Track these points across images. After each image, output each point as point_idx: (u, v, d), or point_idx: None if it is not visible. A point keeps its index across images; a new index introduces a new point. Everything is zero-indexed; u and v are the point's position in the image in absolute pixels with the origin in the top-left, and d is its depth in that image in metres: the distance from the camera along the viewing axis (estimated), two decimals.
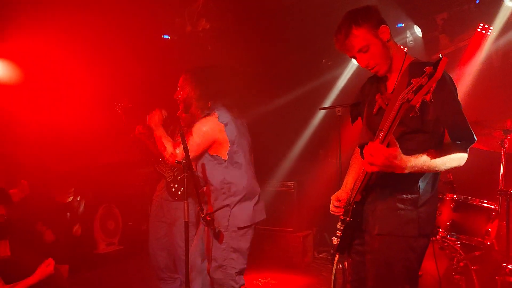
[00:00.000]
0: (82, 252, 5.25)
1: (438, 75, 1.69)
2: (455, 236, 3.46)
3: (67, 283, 3.91)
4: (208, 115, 3.15)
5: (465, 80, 5.44)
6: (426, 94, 1.72)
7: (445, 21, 5.48)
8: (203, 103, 3.21)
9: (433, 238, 3.39)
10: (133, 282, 4.94)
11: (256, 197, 3.22)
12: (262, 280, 5.08)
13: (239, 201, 3.11)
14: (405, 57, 2.24)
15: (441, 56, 1.72)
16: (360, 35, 2.14)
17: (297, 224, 5.83)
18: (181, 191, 3.94)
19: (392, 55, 2.22)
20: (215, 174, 3.11)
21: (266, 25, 5.92)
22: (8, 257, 3.19)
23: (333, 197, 2.46)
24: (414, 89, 1.74)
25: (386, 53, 2.19)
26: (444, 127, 2.10)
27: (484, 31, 5.25)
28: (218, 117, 3.12)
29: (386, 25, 2.19)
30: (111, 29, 4.94)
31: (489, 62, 5.33)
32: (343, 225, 2.37)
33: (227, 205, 3.09)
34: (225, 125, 3.10)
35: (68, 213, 4.52)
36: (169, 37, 5.95)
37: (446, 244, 3.45)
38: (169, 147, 3.14)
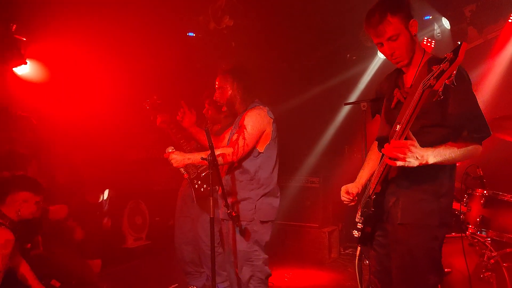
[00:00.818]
0: (111, 247, 5.37)
1: (459, 59, 1.72)
2: (485, 232, 3.38)
3: (97, 277, 4.01)
4: (254, 107, 3.18)
5: (495, 72, 5.30)
6: (449, 78, 1.75)
7: (474, 12, 5.35)
8: (248, 100, 3.25)
9: (462, 235, 3.33)
10: (161, 276, 5.02)
11: (279, 194, 3.27)
12: (287, 276, 5.09)
13: (265, 195, 3.15)
14: (424, 53, 2.29)
15: (459, 43, 1.75)
16: (394, 23, 2.18)
17: (323, 220, 5.81)
18: (204, 188, 3.97)
19: (415, 49, 2.27)
20: (249, 165, 3.13)
21: (290, 21, 5.90)
22: (40, 253, 3.27)
23: (343, 188, 2.54)
24: (435, 74, 1.78)
25: (412, 46, 2.24)
26: (461, 120, 2.12)
27: None
28: (267, 111, 3.19)
29: (416, 20, 2.23)
30: (136, 28, 5.01)
31: None
32: (363, 217, 2.41)
33: (252, 198, 3.11)
34: (273, 120, 3.19)
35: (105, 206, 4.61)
36: (193, 35, 5.99)
37: (475, 240, 3.38)
38: (225, 150, 3.07)
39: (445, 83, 1.77)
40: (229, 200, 3.12)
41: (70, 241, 3.97)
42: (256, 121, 3.10)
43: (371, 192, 2.35)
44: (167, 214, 6.35)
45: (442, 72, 1.75)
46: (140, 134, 5.96)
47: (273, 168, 3.22)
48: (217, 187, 3.19)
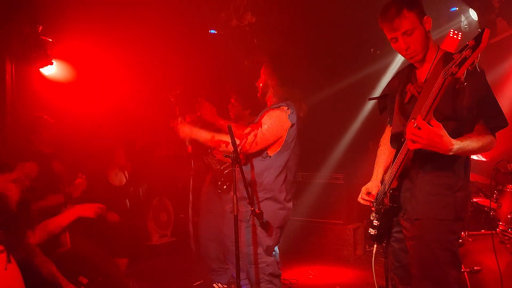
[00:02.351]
0: (137, 244, 5.44)
1: (482, 46, 1.72)
2: None
3: (124, 274, 4.06)
4: (278, 107, 3.04)
5: None
6: (471, 65, 1.76)
7: (503, 3, 5.18)
8: (275, 92, 3.13)
9: (493, 232, 3.24)
10: (186, 273, 5.06)
11: (283, 201, 3.12)
12: (312, 273, 5.07)
13: (268, 199, 3.06)
14: (438, 49, 2.32)
15: (480, 30, 1.76)
16: (410, 17, 2.20)
17: (347, 217, 5.76)
18: (226, 185, 3.95)
19: (429, 45, 2.30)
20: (256, 165, 3.05)
21: (312, 16, 5.84)
22: (68, 250, 3.32)
23: (363, 189, 2.55)
24: (457, 62, 1.79)
25: (426, 42, 2.27)
26: (474, 112, 2.12)
27: None
28: (289, 115, 3.02)
29: (429, 17, 2.27)
30: (159, 26, 5.05)
31: None
32: (379, 214, 2.43)
33: (253, 200, 3.01)
34: (291, 126, 3.04)
35: (127, 200, 4.65)
36: (215, 32, 6.00)
37: (507, 238, 3.29)
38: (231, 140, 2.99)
39: (468, 69, 1.78)
40: (238, 195, 3.03)
41: (99, 237, 4.02)
42: (274, 125, 2.97)
43: (387, 188, 2.37)
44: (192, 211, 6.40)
45: (465, 59, 1.76)
46: (164, 131, 6.01)
47: (278, 175, 3.06)
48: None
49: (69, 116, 4.48)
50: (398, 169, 2.24)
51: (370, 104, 6.73)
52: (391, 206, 2.33)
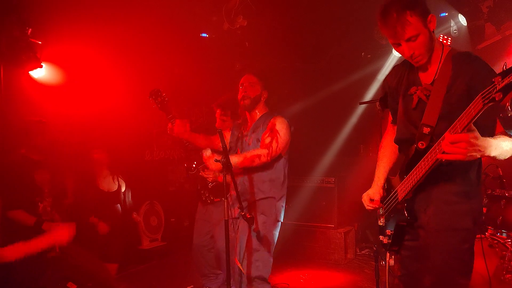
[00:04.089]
0: (128, 248, 5.40)
1: None
2: (505, 234, 3.31)
3: (114, 279, 4.03)
4: (278, 116, 3.42)
5: None
6: None
7: (491, 8, 5.24)
8: (264, 105, 3.51)
9: (482, 236, 3.26)
10: (176, 278, 5.03)
11: (284, 201, 3.49)
12: (303, 277, 5.06)
13: (283, 196, 3.39)
14: (443, 48, 2.16)
15: None
16: (413, 23, 2.00)
17: (338, 220, 5.77)
18: (210, 200, 4.09)
19: (434, 46, 2.13)
20: (273, 167, 3.35)
21: (303, 20, 5.86)
22: (57, 255, 3.28)
23: (365, 196, 2.46)
24: (501, 87, 1.57)
25: (431, 44, 2.10)
26: (494, 119, 2.00)
27: None
28: (287, 119, 3.43)
29: (434, 14, 2.08)
30: (150, 29, 5.03)
31: None
32: (392, 223, 2.32)
33: (273, 197, 3.32)
34: (291, 127, 3.43)
35: (118, 205, 4.62)
36: (207, 35, 6.00)
37: (496, 242, 3.31)
38: (261, 151, 3.26)
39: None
40: (251, 199, 3.31)
41: (89, 243, 3.98)
42: (286, 130, 3.36)
43: (400, 199, 2.26)
44: (182, 215, 6.37)
45: (510, 87, 1.54)
46: (155, 134, 5.99)
47: (286, 174, 3.45)
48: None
49: (59, 120, 4.44)
50: (418, 181, 2.10)
51: (361, 108, 6.75)
52: (407, 218, 2.22)
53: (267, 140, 3.30)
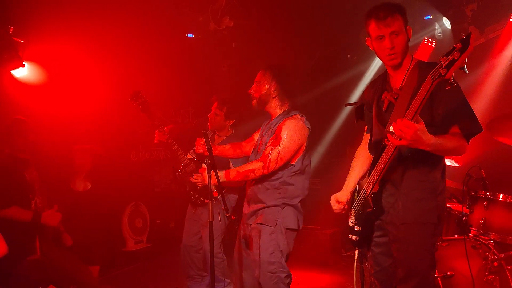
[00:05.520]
0: (112, 251, 5.34)
1: (470, 48, 1.84)
2: (488, 235, 3.34)
3: (97, 282, 3.97)
4: (291, 116, 3.09)
5: (496, 72, 5.27)
6: (461, 67, 1.87)
7: (475, 12, 5.32)
8: (281, 101, 3.18)
9: (465, 237, 3.29)
10: (162, 280, 4.98)
11: (298, 210, 3.19)
12: None
13: (293, 205, 3.10)
14: (412, 58, 2.40)
15: (465, 35, 1.88)
16: (400, 20, 2.31)
17: (324, 222, 5.77)
18: (201, 201, 3.99)
19: (407, 53, 2.38)
20: (278, 174, 3.06)
21: (290, 22, 5.87)
22: (37, 258, 3.22)
23: (332, 197, 2.63)
24: (445, 64, 1.88)
25: (407, 48, 2.36)
26: (449, 119, 2.21)
27: None
28: (304, 121, 3.10)
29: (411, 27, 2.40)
30: (135, 29, 4.98)
31: None
32: (360, 220, 2.49)
33: (278, 206, 3.06)
34: (309, 130, 3.12)
35: (98, 206, 4.55)
36: (193, 36, 5.97)
37: (478, 243, 3.34)
38: (255, 165, 3.04)
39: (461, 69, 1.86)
40: (255, 207, 3.10)
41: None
42: (294, 134, 3.01)
43: (368, 193, 2.42)
44: (168, 216, 6.32)
45: (453, 61, 1.85)
46: (140, 135, 5.93)
47: (306, 180, 3.16)
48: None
49: (41, 119, 4.37)
50: (381, 172, 2.30)
51: (347, 110, 6.78)
52: (373, 209, 2.40)
53: (268, 149, 3.02)
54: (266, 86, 3.14)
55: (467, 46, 1.84)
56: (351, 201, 2.61)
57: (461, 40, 1.87)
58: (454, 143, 2.17)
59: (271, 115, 3.24)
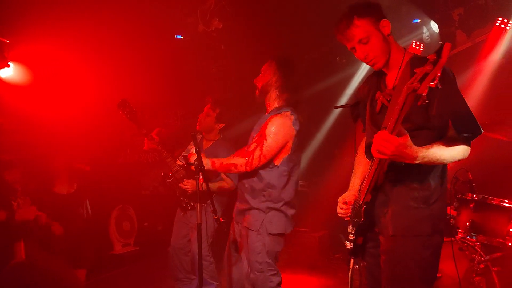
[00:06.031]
0: (99, 254, 5.28)
1: (443, 60, 1.66)
2: (475, 237, 3.37)
3: (84, 286, 3.92)
4: (280, 113, 3.02)
5: (483, 75, 5.32)
6: (433, 81, 1.68)
7: (462, 16, 5.38)
8: (280, 93, 3.10)
9: (452, 239, 3.31)
10: (150, 283, 4.94)
11: (293, 209, 3.13)
12: None
13: (277, 209, 3.03)
14: (404, 53, 2.23)
15: (442, 43, 1.69)
16: (361, 26, 2.15)
17: (313, 224, 5.78)
18: (191, 206, 3.93)
19: (391, 50, 2.21)
20: (264, 176, 3.01)
21: (279, 25, 5.87)
22: (23, 261, 3.17)
23: (340, 199, 2.43)
24: (419, 78, 1.70)
25: (386, 47, 2.19)
26: (448, 121, 2.04)
27: (503, 26, 5.14)
28: (293, 121, 3.03)
29: (388, 20, 2.20)
30: (123, 30, 4.94)
31: (509, 56, 5.21)
32: (355, 228, 2.32)
33: (262, 210, 3.01)
34: (297, 132, 3.04)
35: (86, 208, 4.50)
36: (182, 37, 5.94)
37: (465, 245, 3.37)
38: (238, 160, 2.99)
39: (429, 86, 1.69)
40: (241, 207, 3.08)
41: (54, 247, 3.86)
42: (279, 133, 2.95)
43: (361, 201, 2.27)
44: (156, 219, 6.27)
45: (426, 74, 1.68)
46: (128, 136, 5.88)
47: (291, 183, 3.07)
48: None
49: (27, 120, 4.32)
50: (370, 182, 2.14)
51: (335, 113, 6.80)
52: (364, 221, 2.23)
53: (252, 146, 2.96)
54: (269, 77, 3.10)
55: (439, 58, 1.66)
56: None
57: (435, 51, 1.69)
58: (452, 149, 2.02)
59: (266, 109, 3.19)
